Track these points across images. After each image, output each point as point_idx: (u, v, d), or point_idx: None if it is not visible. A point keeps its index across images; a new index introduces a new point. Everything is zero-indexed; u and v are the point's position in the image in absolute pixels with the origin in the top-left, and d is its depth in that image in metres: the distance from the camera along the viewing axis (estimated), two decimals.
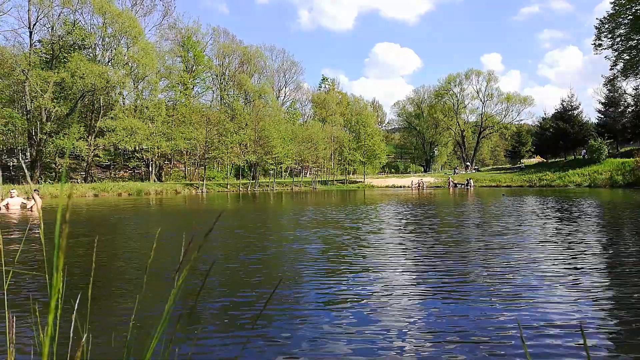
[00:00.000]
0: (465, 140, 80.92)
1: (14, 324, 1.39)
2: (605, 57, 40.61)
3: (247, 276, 5.34)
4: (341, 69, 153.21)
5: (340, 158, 59.05)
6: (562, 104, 51.19)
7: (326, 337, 3.29)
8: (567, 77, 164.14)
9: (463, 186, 46.21)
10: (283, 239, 8.71)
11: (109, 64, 44.24)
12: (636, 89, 46.96)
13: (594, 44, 40.18)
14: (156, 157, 45.41)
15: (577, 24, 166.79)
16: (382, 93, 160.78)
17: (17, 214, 14.39)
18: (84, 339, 1.11)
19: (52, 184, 33.92)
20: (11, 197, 15.90)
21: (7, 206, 15.38)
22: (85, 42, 42.37)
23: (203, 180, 42.96)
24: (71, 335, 1.53)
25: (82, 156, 40.55)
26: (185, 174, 52.78)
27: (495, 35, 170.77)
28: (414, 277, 5.24)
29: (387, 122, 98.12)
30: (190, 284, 4.79)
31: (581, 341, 3.07)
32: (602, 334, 3.28)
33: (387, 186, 51.32)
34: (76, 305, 1.63)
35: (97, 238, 8.59)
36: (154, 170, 46.58)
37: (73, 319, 1.49)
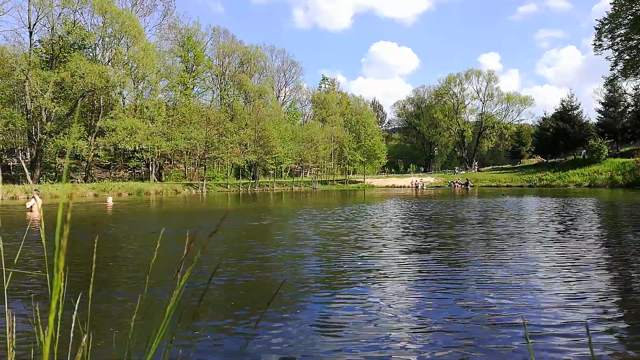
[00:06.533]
0: (465, 140, 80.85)
1: (14, 324, 1.38)
2: (606, 57, 40.50)
3: (249, 277, 5.33)
4: (339, 69, 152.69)
5: (340, 158, 59.00)
6: (562, 104, 51.17)
7: (328, 338, 3.28)
8: (565, 76, 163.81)
9: (462, 186, 46.46)
10: (285, 240, 8.70)
11: (109, 63, 44.20)
12: (636, 89, 46.93)
13: (594, 44, 40.12)
14: (156, 157, 45.35)
15: (575, 23, 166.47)
16: (381, 93, 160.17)
17: (30, 214, 14.29)
18: (84, 340, 1.10)
19: (52, 183, 33.90)
20: (35, 197, 15.37)
21: (31, 208, 15.04)
22: (85, 42, 42.33)
23: (203, 180, 42.94)
24: (72, 335, 1.52)
25: (82, 156, 40.51)
26: (185, 174, 52.73)
27: (493, 35, 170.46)
28: (417, 277, 5.23)
29: (387, 122, 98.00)
30: (192, 285, 4.78)
31: (585, 339, 3.06)
32: (606, 333, 3.27)
33: (387, 186, 51.30)
34: (77, 305, 1.62)
35: (97, 238, 8.59)
36: (154, 170, 46.51)
37: (74, 319, 1.48)
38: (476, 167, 67.11)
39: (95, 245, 1.58)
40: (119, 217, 14.31)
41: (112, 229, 10.93)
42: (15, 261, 2.40)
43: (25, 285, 4.95)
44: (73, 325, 1.52)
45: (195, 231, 1.10)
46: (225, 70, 60.52)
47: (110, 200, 20.66)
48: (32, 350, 2.85)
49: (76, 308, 1.51)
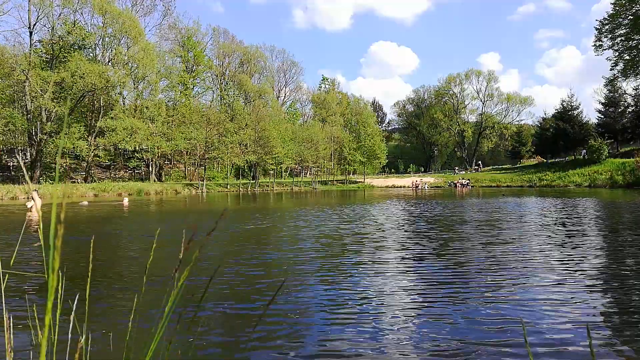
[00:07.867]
0: (465, 140, 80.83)
1: (12, 324, 1.38)
2: (607, 57, 40.50)
3: (248, 279, 5.32)
4: (338, 69, 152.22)
5: (340, 158, 58.98)
6: (562, 104, 51.18)
7: (327, 339, 3.27)
8: (565, 76, 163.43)
9: (463, 186, 46.60)
10: (284, 242, 8.70)
11: (109, 64, 44.20)
12: (636, 89, 46.91)
13: (595, 44, 40.12)
14: (156, 157, 45.32)
15: (575, 23, 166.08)
16: (381, 93, 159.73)
17: (24, 215, 14.26)
18: (82, 340, 1.09)
19: (53, 184, 33.89)
20: (34, 198, 15.16)
21: (31, 208, 14.91)
22: (85, 42, 42.32)
23: (203, 180, 42.94)
24: (70, 336, 1.51)
25: (82, 156, 40.51)
26: (185, 174, 52.72)
27: (493, 35, 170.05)
28: (417, 278, 5.23)
29: (387, 122, 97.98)
30: (190, 285, 4.77)
31: (584, 341, 3.06)
32: (607, 335, 3.26)
33: (387, 186, 51.31)
34: (75, 305, 1.62)
35: (96, 238, 8.57)
36: (154, 170, 46.48)
37: (72, 320, 1.47)
38: (480, 167, 66.73)
39: (92, 245, 1.57)
40: (141, 217, 14.31)
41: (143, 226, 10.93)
42: (11, 261, 2.39)
43: (23, 285, 4.94)
44: (71, 325, 1.51)
45: (193, 234, 1.09)
46: (225, 70, 60.53)
47: (126, 200, 21.85)
48: (31, 351, 2.84)
49: (74, 309, 1.51)
